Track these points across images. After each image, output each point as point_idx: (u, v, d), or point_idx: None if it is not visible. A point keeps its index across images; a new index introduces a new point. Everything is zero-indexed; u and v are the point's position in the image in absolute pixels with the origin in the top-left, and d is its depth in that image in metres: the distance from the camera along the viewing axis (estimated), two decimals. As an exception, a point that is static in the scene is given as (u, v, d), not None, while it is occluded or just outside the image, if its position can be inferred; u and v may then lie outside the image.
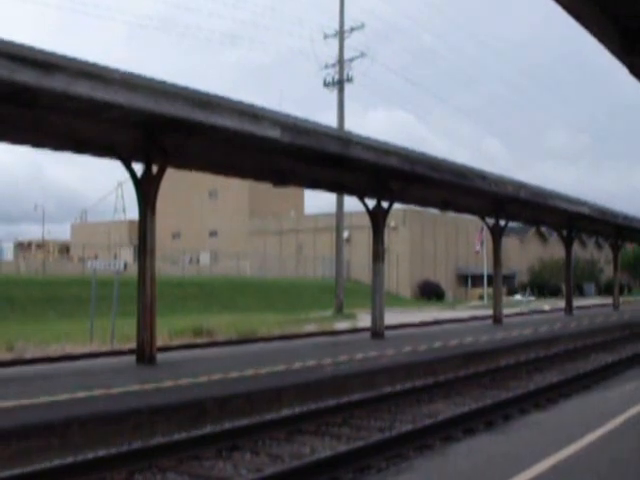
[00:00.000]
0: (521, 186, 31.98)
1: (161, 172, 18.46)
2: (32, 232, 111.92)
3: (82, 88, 14.39)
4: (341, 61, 52.15)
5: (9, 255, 77.59)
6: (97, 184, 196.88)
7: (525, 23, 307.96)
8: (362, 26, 52.64)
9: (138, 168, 18.69)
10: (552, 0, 12.85)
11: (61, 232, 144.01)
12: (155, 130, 17.76)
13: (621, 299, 56.39)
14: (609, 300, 57.42)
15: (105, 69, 14.83)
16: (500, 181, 30.16)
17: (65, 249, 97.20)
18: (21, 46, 13.47)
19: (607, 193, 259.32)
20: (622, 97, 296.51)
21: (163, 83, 15.99)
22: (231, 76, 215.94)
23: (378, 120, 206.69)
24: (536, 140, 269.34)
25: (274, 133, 18.51)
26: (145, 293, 18.47)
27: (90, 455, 10.34)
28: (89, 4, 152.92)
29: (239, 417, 13.35)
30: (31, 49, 13.69)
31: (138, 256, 18.91)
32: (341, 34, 52.32)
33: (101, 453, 10.48)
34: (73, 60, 14.33)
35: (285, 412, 13.89)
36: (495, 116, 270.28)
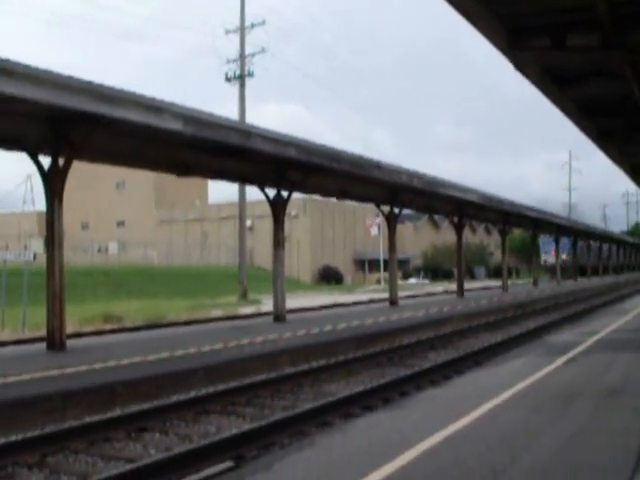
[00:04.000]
0: (415, 175, 32.25)
1: (68, 165, 18.15)
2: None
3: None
4: (242, 56, 51.89)
5: None
6: (4, 176, 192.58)
7: (418, 22, 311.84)
8: (263, 22, 52.43)
9: (46, 161, 18.37)
10: (444, 1, 13.05)
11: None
12: (61, 123, 17.47)
13: (509, 281, 57.23)
14: (498, 283, 58.18)
15: (9, 62, 14.48)
16: (395, 171, 30.38)
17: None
18: None
19: (492, 181, 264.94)
20: (504, 92, 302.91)
21: (67, 77, 15.71)
22: (140, 72, 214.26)
23: (277, 113, 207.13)
24: (424, 132, 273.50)
25: (176, 126, 18.39)
26: (54, 282, 18.21)
27: (2, 440, 10.17)
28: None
29: (148, 399, 13.27)
30: None
31: (46, 247, 18.60)
32: (242, 30, 52.03)
33: (14, 437, 10.32)
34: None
35: (193, 393, 13.84)
36: (387, 109, 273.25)
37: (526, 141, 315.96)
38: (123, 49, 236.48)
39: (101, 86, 16.49)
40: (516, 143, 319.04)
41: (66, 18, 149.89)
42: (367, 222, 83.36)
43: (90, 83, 16.25)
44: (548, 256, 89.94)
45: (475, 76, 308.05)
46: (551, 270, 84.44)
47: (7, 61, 14.53)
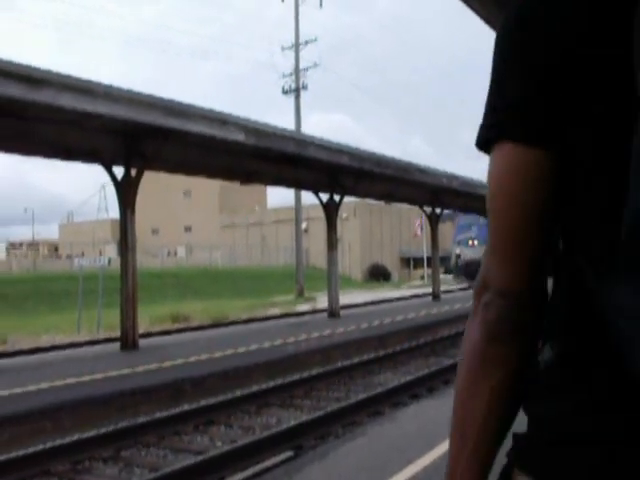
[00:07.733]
0: (454, 177, 32.01)
1: (139, 175, 18.18)
2: (22, 233, 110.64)
3: (67, 100, 14.10)
4: (297, 71, 52.01)
5: (1, 255, 76.14)
6: (80, 187, 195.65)
7: (460, 36, 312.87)
8: (315, 39, 52.60)
9: (118, 172, 18.37)
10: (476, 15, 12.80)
11: (49, 232, 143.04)
12: (134, 137, 17.47)
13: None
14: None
15: (88, 83, 14.62)
16: (436, 174, 30.21)
17: (54, 248, 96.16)
18: (9, 63, 13.11)
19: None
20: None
21: (140, 94, 15.81)
22: (206, 86, 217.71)
23: (323, 121, 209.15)
24: (454, 135, 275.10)
25: (239, 137, 18.37)
26: (127, 285, 18.13)
27: (77, 436, 10.03)
28: (81, 24, 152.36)
29: (214, 394, 13.11)
30: (19, 65, 13.34)
31: (120, 252, 18.61)
32: (297, 47, 52.16)
33: (90, 434, 10.15)
34: (59, 75, 14.06)
35: (254, 388, 13.67)
36: (423, 116, 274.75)
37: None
38: (192, 67, 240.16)
39: (171, 102, 16.58)
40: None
41: (141, 41, 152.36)
42: (419, 221, 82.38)
43: (161, 99, 16.36)
44: (464, 248, 58.41)
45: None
46: (466, 271, 55.57)
47: (85, 81, 14.61)
